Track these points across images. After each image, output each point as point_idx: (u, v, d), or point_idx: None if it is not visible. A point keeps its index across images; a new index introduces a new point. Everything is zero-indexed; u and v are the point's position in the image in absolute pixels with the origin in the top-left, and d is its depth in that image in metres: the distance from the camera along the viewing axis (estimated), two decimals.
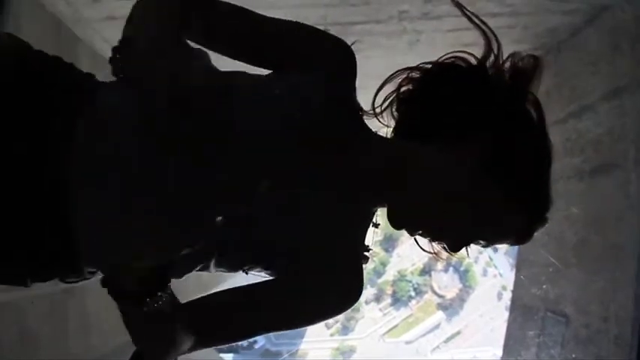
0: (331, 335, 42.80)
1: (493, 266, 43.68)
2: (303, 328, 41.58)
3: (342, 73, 0.94)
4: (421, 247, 0.98)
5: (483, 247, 0.95)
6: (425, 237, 0.93)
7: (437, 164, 0.90)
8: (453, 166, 0.89)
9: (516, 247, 5.04)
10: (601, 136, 3.43)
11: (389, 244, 43.65)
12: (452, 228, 0.90)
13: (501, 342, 4.72)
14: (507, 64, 0.91)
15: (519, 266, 4.50)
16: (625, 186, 3.08)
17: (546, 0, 3.54)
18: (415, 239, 0.96)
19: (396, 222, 0.91)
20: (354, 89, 0.96)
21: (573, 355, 3.39)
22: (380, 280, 43.26)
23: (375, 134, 0.95)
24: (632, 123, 3.12)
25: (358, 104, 0.96)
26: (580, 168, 3.60)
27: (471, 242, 0.92)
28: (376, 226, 0.98)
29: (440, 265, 44.26)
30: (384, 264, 43.39)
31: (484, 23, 0.89)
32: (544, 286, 3.92)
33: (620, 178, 3.15)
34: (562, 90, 3.79)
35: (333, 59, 0.94)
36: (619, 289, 3.14)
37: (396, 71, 0.95)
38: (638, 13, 3.04)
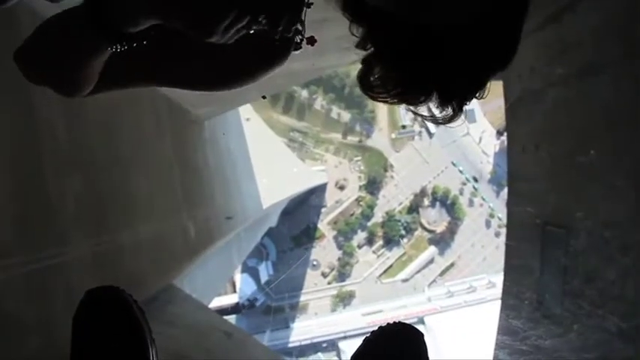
0: (329, 283, 43.33)
1: (479, 196, 44.17)
2: (301, 281, 42.05)
3: None
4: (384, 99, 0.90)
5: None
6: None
7: None
8: None
9: (505, 171, 4.91)
10: (583, 37, 3.26)
11: (374, 187, 43.81)
12: None
13: (495, 268, 4.69)
14: None
15: (511, 185, 4.40)
16: (615, 84, 2.93)
17: None
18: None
19: None
20: None
21: (577, 265, 3.33)
22: (369, 224, 43.49)
23: None
24: (615, 18, 2.95)
25: None
26: (564, 74, 3.45)
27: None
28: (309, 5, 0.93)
29: (426, 201, 44.67)
30: (371, 207, 43.55)
31: None
32: (539, 201, 3.83)
33: (610, 77, 3.00)
34: None
35: None
36: (615, 196, 3.04)
37: None
38: None
